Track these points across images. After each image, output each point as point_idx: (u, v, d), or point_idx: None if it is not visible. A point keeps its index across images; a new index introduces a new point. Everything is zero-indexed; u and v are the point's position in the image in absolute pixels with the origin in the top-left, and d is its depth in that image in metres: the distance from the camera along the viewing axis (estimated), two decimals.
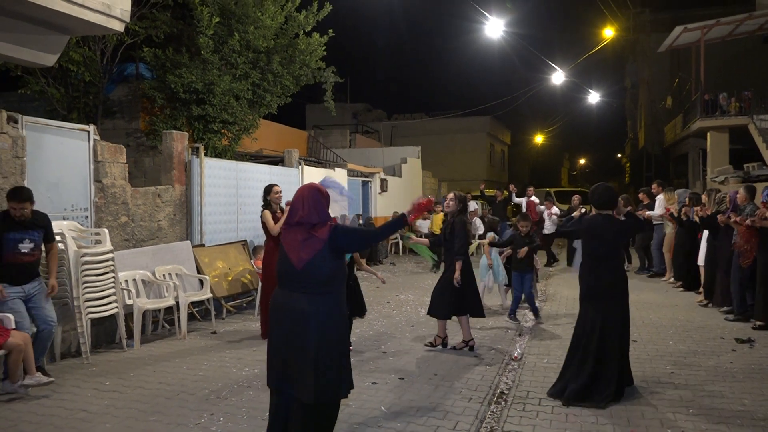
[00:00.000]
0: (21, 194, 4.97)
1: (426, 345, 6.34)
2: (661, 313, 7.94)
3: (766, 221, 6.76)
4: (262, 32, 10.29)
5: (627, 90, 39.01)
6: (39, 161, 6.02)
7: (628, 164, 42.94)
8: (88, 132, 6.67)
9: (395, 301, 8.97)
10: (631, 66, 36.01)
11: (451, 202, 6.24)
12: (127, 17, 5.67)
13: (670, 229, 10.61)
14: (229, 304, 8.16)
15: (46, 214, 5.28)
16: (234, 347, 6.36)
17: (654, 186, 11.42)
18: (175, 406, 4.57)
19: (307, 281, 3.39)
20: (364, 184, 15.65)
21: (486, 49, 19.14)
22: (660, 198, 10.97)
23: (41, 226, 5.17)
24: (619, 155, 49.10)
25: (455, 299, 6.08)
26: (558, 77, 19.74)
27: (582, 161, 60.13)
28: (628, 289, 4.92)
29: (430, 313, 6.33)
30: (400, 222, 3.74)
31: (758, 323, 6.95)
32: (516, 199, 14.98)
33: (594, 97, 26.03)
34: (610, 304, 4.76)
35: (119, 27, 5.65)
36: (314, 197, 3.48)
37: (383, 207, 16.30)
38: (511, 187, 15.41)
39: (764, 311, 6.94)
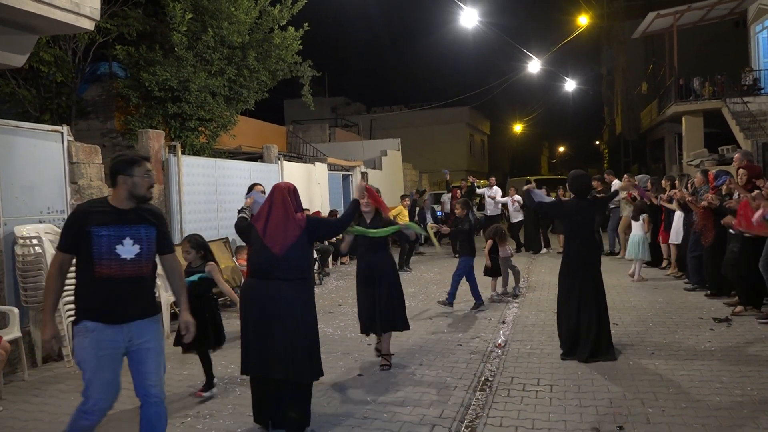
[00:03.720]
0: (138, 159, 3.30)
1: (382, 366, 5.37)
2: (641, 296, 8.06)
3: (713, 203, 7.32)
4: (237, 27, 10.20)
5: (603, 77, 39.37)
6: (12, 164, 5.92)
7: (606, 150, 43.41)
8: (62, 133, 6.57)
9: None
10: (606, 53, 36.35)
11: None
12: (97, 15, 5.59)
13: (626, 211, 11.50)
14: None
15: (159, 209, 3.60)
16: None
17: (606, 174, 12.43)
18: None
19: (287, 268, 3.75)
20: (345, 177, 15.62)
21: (462, 39, 19.21)
22: (615, 183, 11.79)
23: (153, 221, 3.26)
24: (597, 142, 49.60)
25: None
26: (534, 66, 19.84)
27: (561, 149, 60.68)
28: (600, 262, 5.64)
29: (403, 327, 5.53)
30: (353, 206, 4.31)
31: (709, 292, 7.75)
32: (479, 190, 15.23)
33: (571, 85, 26.23)
34: (587, 274, 5.44)
35: (89, 25, 5.57)
36: (290, 191, 3.95)
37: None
38: (470, 177, 15.72)
39: (712, 281, 7.71)
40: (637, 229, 9.34)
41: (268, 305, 3.74)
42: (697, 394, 4.37)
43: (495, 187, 14.48)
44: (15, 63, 5.68)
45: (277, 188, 3.96)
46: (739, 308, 6.79)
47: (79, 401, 3.14)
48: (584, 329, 5.35)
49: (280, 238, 3.75)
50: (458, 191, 14.60)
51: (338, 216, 4.90)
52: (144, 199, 3.20)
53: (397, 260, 10.57)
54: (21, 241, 5.76)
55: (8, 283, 5.76)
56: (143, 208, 3.24)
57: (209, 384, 4.75)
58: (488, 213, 14.33)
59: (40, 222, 6.13)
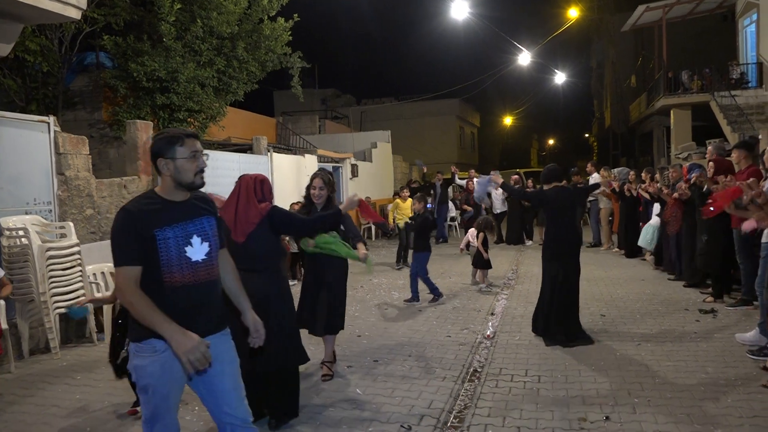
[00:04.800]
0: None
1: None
2: (628, 288, 8.12)
3: (684, 194, 7.56)
4: (226, 18, 10.12)
5: (593, 70, 39.49)
6: None
7: (595, 143, 43.61)
8: (48, 123, 6.50)
9: (369, 285, 9.01)
10: (596, 45, 36.43)
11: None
12: (83, 4, 5.53)
13: (604, 204, 12.03)
14: None
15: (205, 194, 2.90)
16: None
17: (588, 166, 12.69)
18: None
19: (247, 257, 3.73)
20: (335, 169, 15.58)
21: (452, 31, 19.19)
22: (594, 176, 12.07)
23: (210, 210, 2.79)
24: (586, 135, 49.81)
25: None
26: (524, 58, 19.87)
27: (551, 141, 60.83)
28: (579, 250, 5.84)
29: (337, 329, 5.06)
30: (335, 215, 4.03)
31: (685, 284, 8.00)
32: (458, 181, 15.34)
33: (560, 78, 26.30)
34: (568, 259, 5.70)
35: (76, 14, 5.51)
36: (257, 181, 3.89)
37: (354, 192, 16.27)
38: (453, 168, 15.67)
39: (687, 271, 8.01)
40: (655, 221, 9.40)
41: None
42: (683, 384, 4.42)
43: (476, 179, 14.49)
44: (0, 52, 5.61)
45: (242, 179, 3.93)
46: (709, 299, 7.00)
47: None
48: (558, 313, 5.66)
49: (240, 226, 3.77)
50: (472, 183, 14.26)
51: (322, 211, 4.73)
52: (193, 187, 2.62)
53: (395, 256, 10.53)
54: (7, 232, 5.71)
55: None
56: (196, 196, 2.70)
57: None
58: (496, 211, 13.87)
59: (27, 213, 6.08)
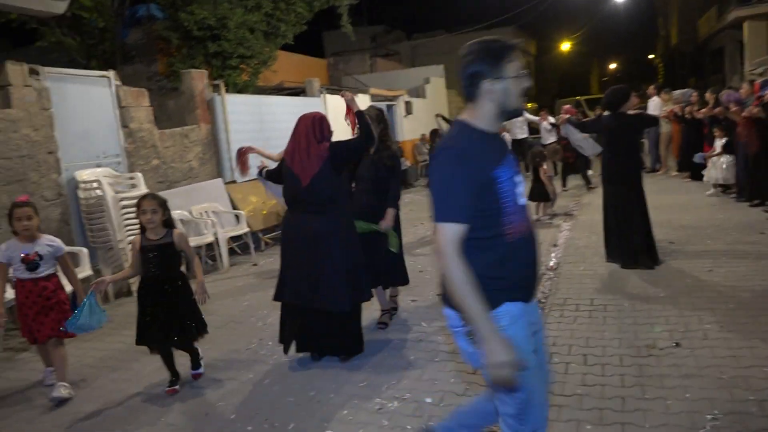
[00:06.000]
0: None
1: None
2: (698, 214, 7.83)
3: (755, 114, 7.24)
4: None
5: None
6: (65, 111, 6.10)
7: (661, 64, 41.23)
8: (109, 78, 6.69)
9: (429, 223, 9.04)
10: None
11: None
12: None
13: (664, 127, 11.40)
14: (266, 236, 8.34)
15: None
16: (275, 276, 6.51)
17: (651, 88, 12.18)
18: (226, 334, 4.79)
19: (313, 199, 3.77)
20: (389, 108, 15.43)
21: None
22: (655, 99, 11.69)
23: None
24: (651, 56, 47.08)
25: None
26: None
27: (612, 66, 57.91)
28: (640, 176, 5.74)
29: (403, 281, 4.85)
30: (361, 118, 4.03)
31: (755, 202, 7.80)
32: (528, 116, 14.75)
33: None
34: (625, 183, 5.63)
35: None
36: (315, 120, 3.88)
37: (410, 130, 16.13)
38: None
39: (758, 190, 7.81)
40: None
41: (297, 236, 3.86)
42: (760, 307, 4.29)
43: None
44: (55, 10, 5.75)
45: (301, 119, 3.93)
46: None
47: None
48: (622, 236, 5.66)
49: (304, 168, 3.76)
50: (545, 113, 13.87)
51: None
52: (517, 114, 2.15)
53: None
54: (82, 185, 6.00)
55: (75, 225, 6.06)
56: None
57: (176, 378, 3.85)
58: (518, 136, 13.80)
59: (98, 166, 6.36)
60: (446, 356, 3.96)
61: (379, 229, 4.35)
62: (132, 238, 4.05)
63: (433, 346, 4.15)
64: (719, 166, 8.74)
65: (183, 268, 3.94)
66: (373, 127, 4.19)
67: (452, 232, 1.93)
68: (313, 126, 3.86)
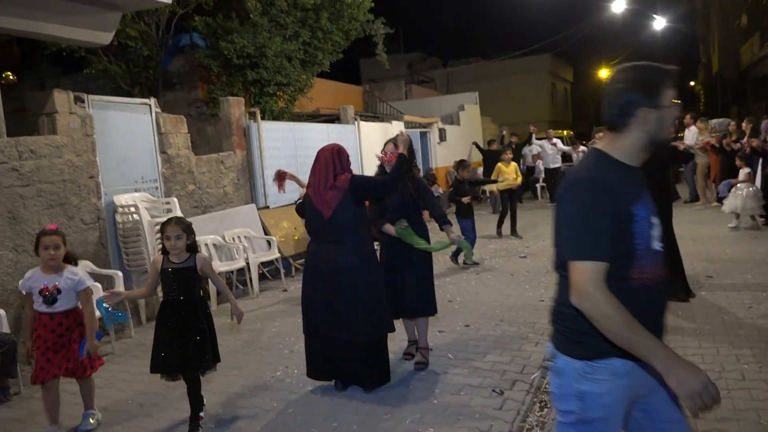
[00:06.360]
0: None
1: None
2: (739, 247, 7.59)
3: None
4: None
5: (698, 11, 36.39)
6: (107, 137, 6.31)
7: (702, 91, 40.47)
8: (150, 105, 6.91)
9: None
10: None
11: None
12: None
13: (701, 158, 11.16)
14: (298, 262, 8.40)
15: None
16: None
17: (687, 117, 11.87)
18: (253, 360, 4.82)
19: (335, 230, 3.83)
20: (423, 135, 15.50)
21: None
22: (692, 129, 11.43)
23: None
24: (692, 83, 46.28)
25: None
26: (618, 6, 18.61)
27: None
28: (670, 208, 5.61)
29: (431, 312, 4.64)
30: (401, 161, 4.05)
31: None
32: (535, 142, 14.88)
33: (660, 23, 24.44)
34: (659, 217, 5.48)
35: None
36: (333, 152, 3.95)
37: (443, 157, 16.15)
38: (532, 127, 15.26)
39: None
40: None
41: (320, 267, 3.90)
42: None
43: (555, 139, 14.57)
44: (102, 41, 5.99)
45: (320, 153, 4.00)
46: None
47: None
48: None
49: (326, 202, 3.83)
50: (577, 145, 14.10)
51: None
52: (664, 145, 1.98)
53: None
54: (120, 209, 6.18)
55: (111, 248, 6.22)
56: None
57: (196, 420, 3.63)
58: (551, 165, 14.25)
59: (136, 191, 6.54)
60: (471, 390, 3.90)
61: (445, 246, 4.57)
62: (154, 256, 3.90)
63: (458, 380, 4.10)
64: (739, 195, 8.52)
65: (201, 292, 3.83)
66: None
67: (593, 271, 1.71)
68: (333, 159, 3.94)
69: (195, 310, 3.61)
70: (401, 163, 4.07)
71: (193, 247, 3.66)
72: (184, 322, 3.56)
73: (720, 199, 10.69)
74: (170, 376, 3.65)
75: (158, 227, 5.86)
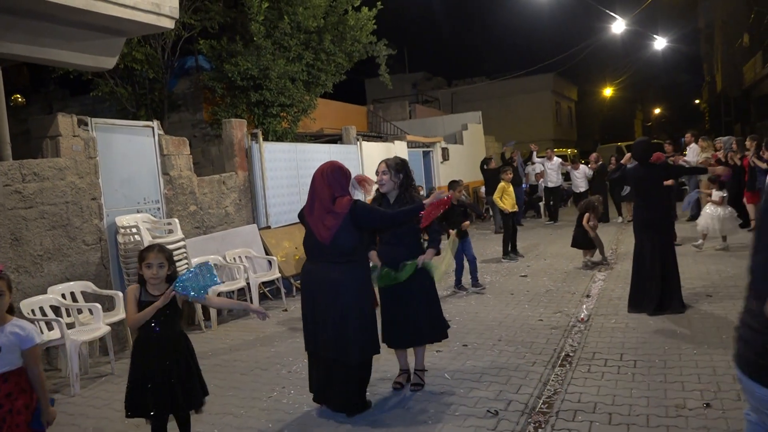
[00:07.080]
0: None
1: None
2: (739, 264, 7.57)
3: None
4: (312, 12, 10.38)
5: (701, 31, 36.64)
6: (110, 159, 6.40)
7: (706, 110, 40.56)
8: (153, 128, 7.01)
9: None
10: (703, 4, 33.76)
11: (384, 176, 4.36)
12: (176, 14, 5.89)
13: (704, 175, 11.08)
14: (298, 282, 8.43)
15: None
16: None
17: (687, 136, 12.38)
18: (250, 381, 4.84)
19: (334, 252, 3.81)
20: (425, 154, 15.59)
21: (544, 2, 18.35)
22: (693, 147, 11.96)
23: None
24: (696, 101, 46.42)
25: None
26: (619, 26, 18.75)
27: (657, 111, 57.20)
28: (673, 223, 6.03)
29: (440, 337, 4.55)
30: (417, 209, 3.96)
31: None
32: (536, 160, 15.24)
33: (662, 43, 24.57)
34: (656, 232, 5.81)
35: (169, 24, 5.89)
36: (334, 171, 3.89)
37: (446, 176, 16.18)
38: (532, 146, 15.50)
39: None
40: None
41: (316, 287, 3.90)
42: None
43: (555, 158, 14.67)
44: (106, 65, 6.11)
45: (317, 172, 3.90)
46: None
47: None
48: (653, 282, 5.78)
49: (325, 226, 3.80)
50: (577, 163, 14.34)
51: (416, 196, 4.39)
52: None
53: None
54: (122, 230, 6.24)
55: (113, 269, 6.28)
56: None
57: None
58: (549, 184, 14.53)
59: (138, 212, 6.61)
60: (467, 410, 3.90)
61: (417, 264, 4.19)
62: (129, 287, 3.46)
63: (453, 399, 4.10)
64: (716, 218, 8.54)
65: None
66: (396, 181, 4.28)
67: None
68: (330, 180, 3.85)
69: (179, 345, 3.30)
70: (412, 213, 3.96)
71: (173, 278, 3.28)
72: (169, 361, 3.21)
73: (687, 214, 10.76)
74: (153, 418, 3.22)
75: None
